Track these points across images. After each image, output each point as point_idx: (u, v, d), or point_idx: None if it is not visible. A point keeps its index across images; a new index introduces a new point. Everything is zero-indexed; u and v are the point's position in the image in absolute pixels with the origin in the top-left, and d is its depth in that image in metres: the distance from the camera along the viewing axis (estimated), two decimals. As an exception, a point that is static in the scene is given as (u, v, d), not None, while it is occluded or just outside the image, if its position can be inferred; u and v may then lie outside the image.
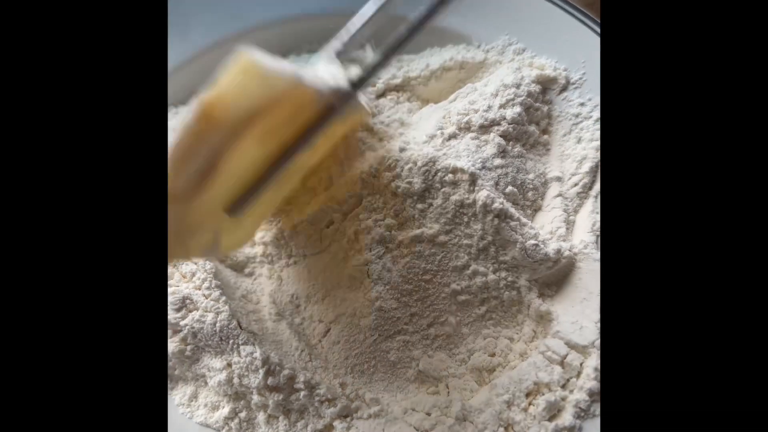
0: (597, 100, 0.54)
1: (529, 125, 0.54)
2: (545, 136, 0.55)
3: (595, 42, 0.56)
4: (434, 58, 0.59)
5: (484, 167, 0.49)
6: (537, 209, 0.52)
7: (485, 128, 0.52)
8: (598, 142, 0.52)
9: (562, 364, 0.44)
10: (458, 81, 0.58)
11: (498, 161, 0.50)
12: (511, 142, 0.52)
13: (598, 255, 0.49)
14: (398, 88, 0.58)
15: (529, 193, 0.52)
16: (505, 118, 0.52)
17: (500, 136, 0.52)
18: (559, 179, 0.53)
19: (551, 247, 0.48)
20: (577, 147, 0.54)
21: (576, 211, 0.52)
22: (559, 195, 0.52)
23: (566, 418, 0.42)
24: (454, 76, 0.59)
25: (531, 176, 0.52)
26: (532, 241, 0.48)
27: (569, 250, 0.49)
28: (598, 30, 0.56)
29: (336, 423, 0.46)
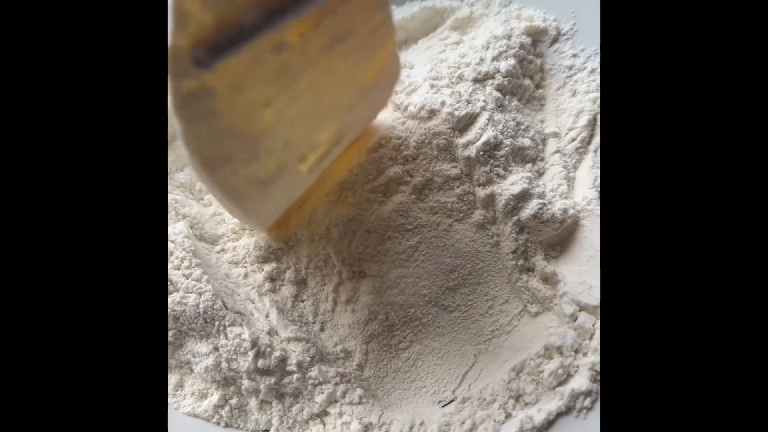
0: (590, 50, 0.52)
1: (524, 79, 0.51)
2: (539, 91, 0.53)
3: (585, -10, 0.54)
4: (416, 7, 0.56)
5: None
6: (539, 169, 0.49)
7: (479, 82, 0.49)
8: (595, 94, 0.50)
9: (574, 327, 0.42)
10: (441, 40, 0.55)
11: (498, 116, 0.47)
12: (507, 96, 0.49)
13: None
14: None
15: (532, 151, 0.49)
16: (499, 71, 0.49)
17: (496, 89, 0.49)
18: (556, 135, 0.50)
19: (557, 207, 0.45)
20: (572, 100, 0.51)
21: (575, 167, 0.50)
22: (557, 151, 0.50)
23: (582, 382, 0.40)
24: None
25: (531, 132, 0.49)
26: (539, 201, 0.45)
27: (573, 208, 0.47)
28: (588, -23, 0.54)
29: (331, 408, 0.43)
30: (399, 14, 0.55)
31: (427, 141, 0.47)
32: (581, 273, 0.44)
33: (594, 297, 0.42)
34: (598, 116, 0.49)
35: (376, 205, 0.47)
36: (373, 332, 0.44)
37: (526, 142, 0.48)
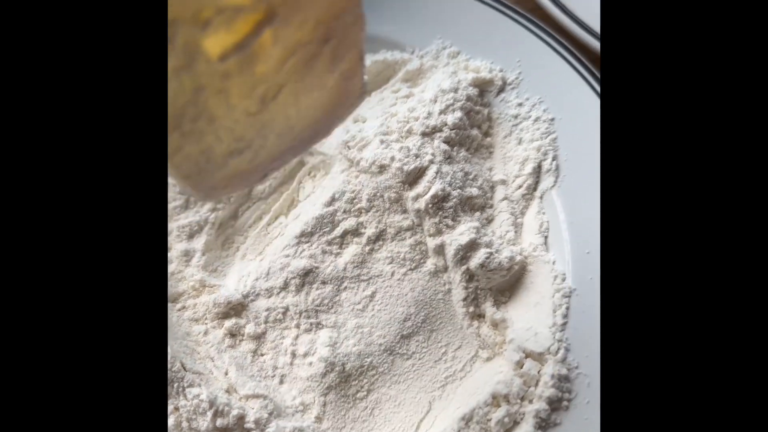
0: (534, 99, 0.54)
1: (471, 129, 0.53)
2: (488, 139, 0.55)
3: (529, 40, 0.56)
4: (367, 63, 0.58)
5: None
6: (488, 216, 0.51)
7: (427, 135, 0.51)
8: (539, 142, 0.52)
9: (520, 374, 0.43)
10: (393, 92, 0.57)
11: (446, 168, 0.49)
12: (455, 148, 0.52)
13: (547, 257, 0.49)
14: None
15: (480, 199, 0.51)
16: (446, 124, 0.51)
17: (444, 142, 0.51)
18: (503, 182, 0.53)
19: (504, 255, 0.47)
20: (518, 148, 0.53)
21: (522, 213, 0.52)
22: (505, 198, 0.52)
23: (527, 429, 0.41)
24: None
25: (479, 181, 0.52)
26: (486, 250, 0.47)
27: (520, 254, 0.49)
28: (531, 27, 0.56)
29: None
30: (352, 68, 0.57)
31: (378, 194, 0.49)
32: (528, 319, 0.46)
33: (539, 344, 0.44)
34: (543, 163, 0.52)
35: (332, 257, 0.49)
36: (331, 384, 0.46)
37: (474, 191, 0.50)
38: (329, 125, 0.35)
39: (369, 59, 0.58)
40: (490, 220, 0.51)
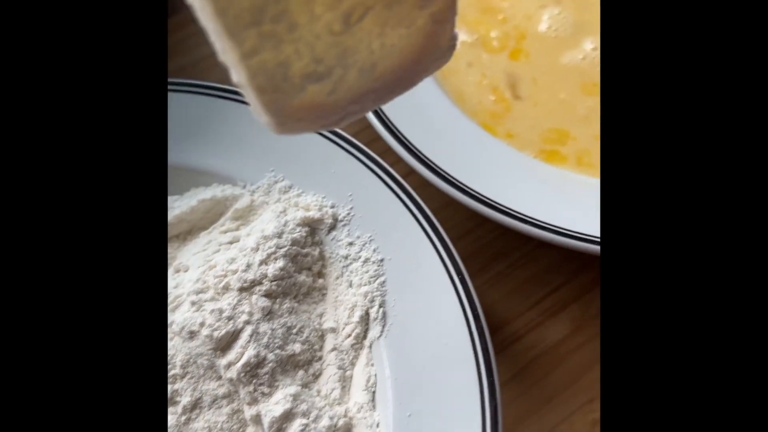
0: (365, 237, 0.52)
1: (299, 274, 0.51)
2: (320, 280, 0.53)
3: (362, 172, 0.55)
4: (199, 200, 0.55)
5: (250, 335, 0.46)
6: (315, 371, 0.49)
7: (245, 290, 0.48)
8: (367, 287, 0.50)
9: None
10: (222, 233, 0.54)
11: (263, 327, 0.47)
12: (278, 299, 0.49)
13: (372, 418, 0.46)
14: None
15: (305, 355, 0.48)
16: (267, 276, 0.49)
17: (264, 296, 0.48)
18: (334, 330, 0.50)
19: (323, 424, 0.44)
20: (348, 292, 0.51)
21: (352, 364, 0.49)
22: (334, 348, 0.49)
23: None
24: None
25: (305, 333, 0.49)
26: (302, 421, 0.44)
27: (345, 416, 0.46)
28: (365, 160, 0.55)
29: None
30: (178, 209, 0.54)
31: (192, 360, 0.46)
32: (347, 495, 0.43)
33: None
34: (370, 311, 0.50)
35: None
36: None
37: (297, 347, 0.48)
38: (413, 75, 0.33)
39: (195, 198, 0.55)
40: (317, 376, 0.49)
